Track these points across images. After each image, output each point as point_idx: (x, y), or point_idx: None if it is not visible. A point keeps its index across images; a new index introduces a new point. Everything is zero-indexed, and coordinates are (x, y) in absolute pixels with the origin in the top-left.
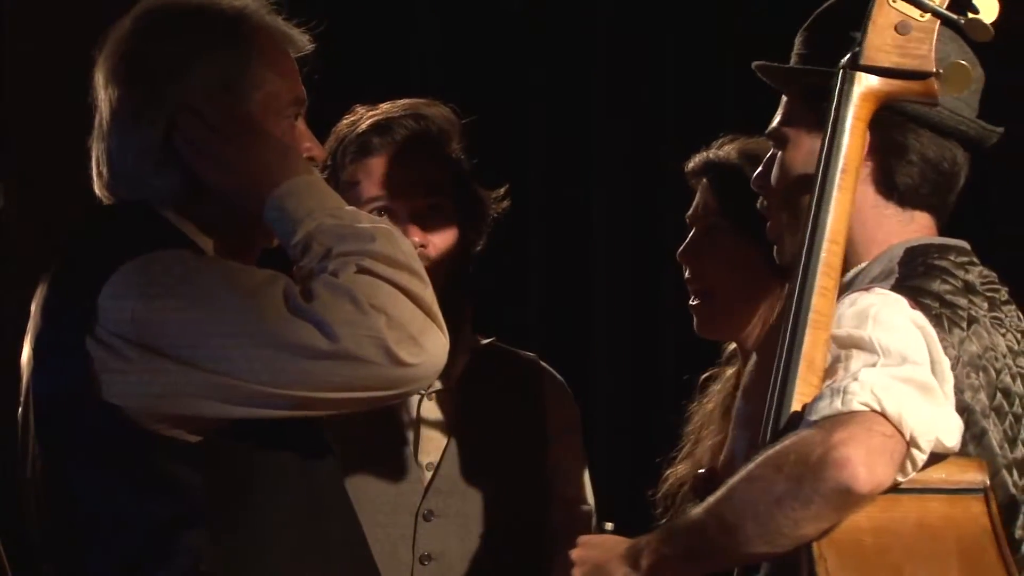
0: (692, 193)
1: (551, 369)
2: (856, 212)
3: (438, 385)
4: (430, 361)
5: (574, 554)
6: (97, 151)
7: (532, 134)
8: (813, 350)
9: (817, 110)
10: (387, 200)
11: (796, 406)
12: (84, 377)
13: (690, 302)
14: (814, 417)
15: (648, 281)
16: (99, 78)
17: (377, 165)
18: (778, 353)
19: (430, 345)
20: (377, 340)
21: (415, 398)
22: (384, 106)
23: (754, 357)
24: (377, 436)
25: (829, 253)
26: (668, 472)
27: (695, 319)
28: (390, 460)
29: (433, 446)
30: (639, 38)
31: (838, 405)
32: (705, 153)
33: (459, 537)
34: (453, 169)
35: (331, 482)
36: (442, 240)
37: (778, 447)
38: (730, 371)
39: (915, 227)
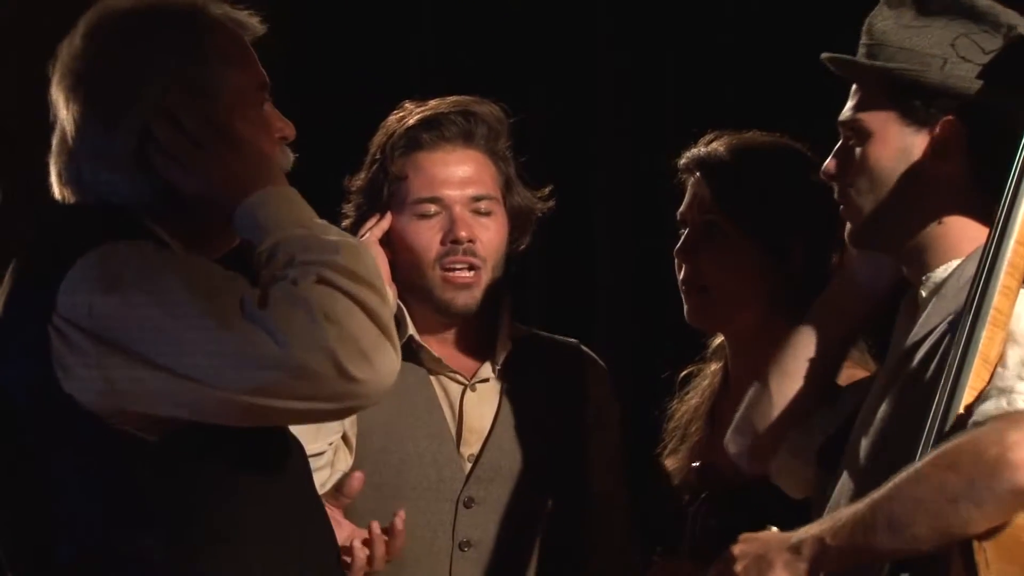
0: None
1: (593, 355)
2: (946, 209)
3: (481, 375)
4: (377, 378)
5: (735, 549)
6: (59, 165)
7: (531, 134)
8: (989, 346)
9: (905, 103)
10: (435, 195)
11: (968, 399)
12: (44, 368)
13: (682, 292)
14: (981, 418)
15: (647, 277)
16: (59, 97)
17: (426, 160)
18: (954, 347)
19: (380, 362)
20: (326, 352)
21: (458, 389)
22: (433, 102)
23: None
24: (420, 426)
25: (1016, 254)
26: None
27: (687, 308)
28: (432, 449)
29: (475, 436)
30: (639, 37)
31: (1004, 405)
32: (695, 149)
33: (498, 524)
34: (500, 166)
35: (298, 485)
36: (488, 235)
37: (949, 446)
38: (715, 366)
39: None
